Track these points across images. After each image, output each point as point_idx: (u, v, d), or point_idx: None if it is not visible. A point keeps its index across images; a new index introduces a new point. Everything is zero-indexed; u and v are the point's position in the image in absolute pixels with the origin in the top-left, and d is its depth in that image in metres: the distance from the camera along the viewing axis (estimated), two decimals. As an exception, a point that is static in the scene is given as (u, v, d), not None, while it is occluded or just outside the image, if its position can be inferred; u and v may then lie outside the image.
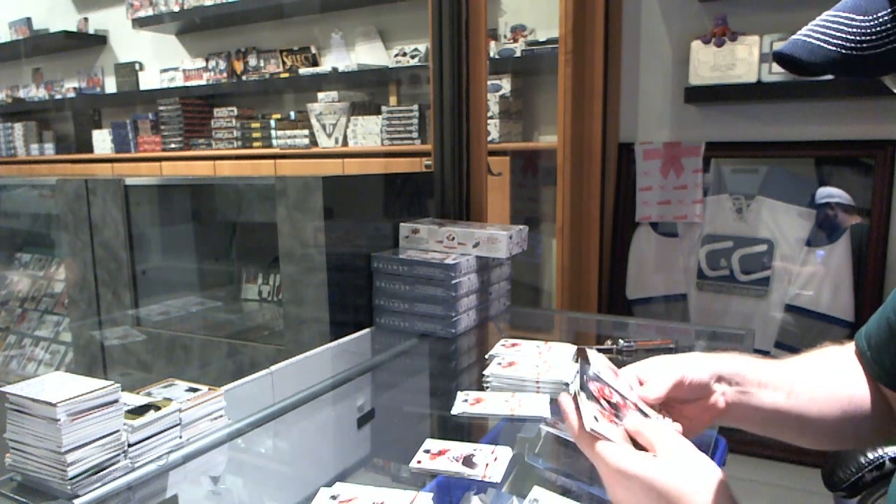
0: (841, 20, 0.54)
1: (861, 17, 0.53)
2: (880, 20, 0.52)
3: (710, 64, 2.07)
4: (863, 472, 1.13)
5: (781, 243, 2.09)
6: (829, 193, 2.04)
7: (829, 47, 0.54)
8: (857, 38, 0.53)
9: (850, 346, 0.93)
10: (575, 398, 0.71)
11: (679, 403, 0.80)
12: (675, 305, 2.27)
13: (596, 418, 0.69)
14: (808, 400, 0.84)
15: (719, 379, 0.80)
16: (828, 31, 0.54)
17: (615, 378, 0.78)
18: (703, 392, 0.80)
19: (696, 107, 2.20)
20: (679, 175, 2.24)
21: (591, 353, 0.80)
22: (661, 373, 0.78)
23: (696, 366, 0.80)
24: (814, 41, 0.55)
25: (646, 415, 0.73)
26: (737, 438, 2.09)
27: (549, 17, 2.58)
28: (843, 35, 0.53)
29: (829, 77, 1.89)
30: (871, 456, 1.15)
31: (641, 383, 0.79)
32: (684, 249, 2.25)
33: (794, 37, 0.57)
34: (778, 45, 1.98)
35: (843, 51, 0.53)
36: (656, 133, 2.29)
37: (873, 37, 0.52)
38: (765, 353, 2.11)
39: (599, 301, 2.31)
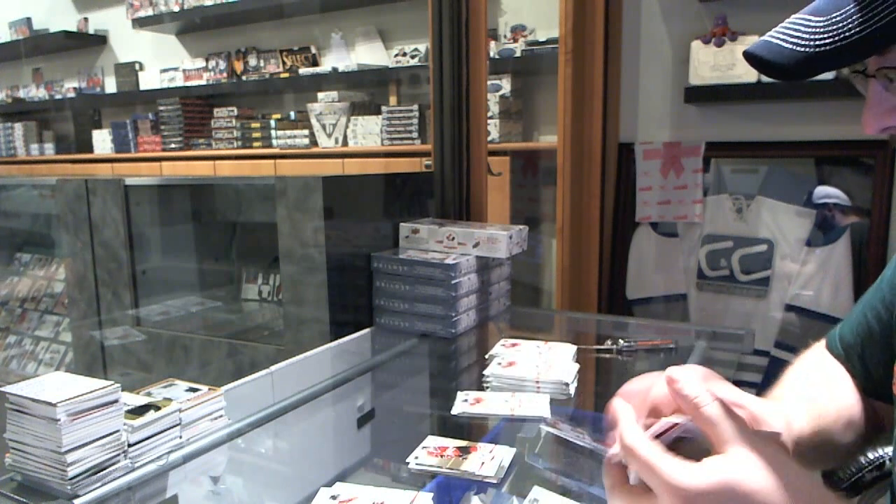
0: (800, 22, 0.58)
1: (817, 19, 0.57)
2: (832, 20, 0.55)
3: (710, 64, 2.07)
4: (863, 471, 1.13)
5: (781, 243, 2.09)
6: (827, 193, 2.04)
7: (786, 45, 0.58)
8: (812, 37, 0.56)
9: (823, 356, 0.92)
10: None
11: None
12: (675, 305, 2.27)
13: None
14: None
15: None
16: (787, 32, 0.58)
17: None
18: None
19: (696, 107, 2.20)
20: (679, 175, 2.24)
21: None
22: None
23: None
24: (775, 41, 0.59)
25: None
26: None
27: (549, 17, 2.58)
28: (800, 34, 0.57)
29: (829, 77, 1.88)
30: (871, 456, 1.15)
31: None
32: (684, 249, 2.25)
33: (761, 38, 0.61)
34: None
35: (797, 48, 0.57)
36: (656, 133, 2.29)
37: (825, 35, 0.55)
38: (764, 354, 2.12)
39: (599, 301, 2.31)
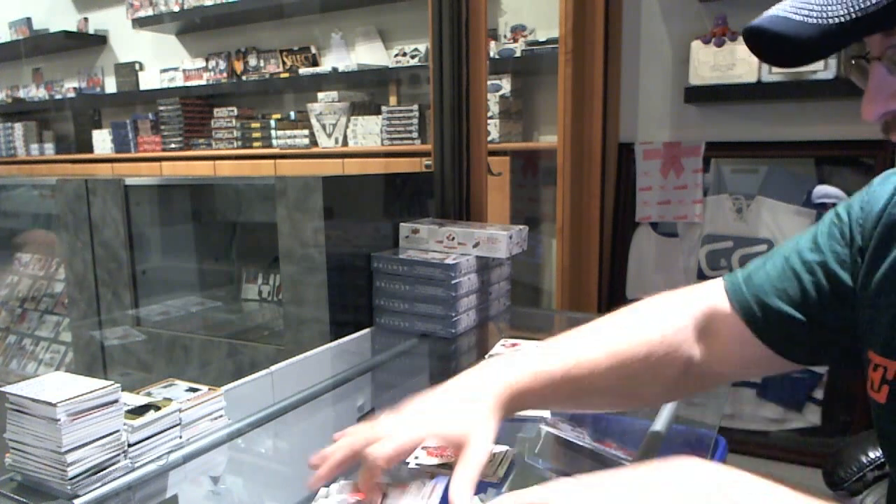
0: None
1: None
2: None
3: (710, 64, 2.07)
4: (864, 471, 1.13)
5: (781, 243, 2.09)
6: (826, 193, 2.04)
7: (796, 18, 0.55)
8: (824, 9, 0.54)
9: (688, 290, 0.86)
10: None
11: None
12: (675, 305, 2.27)
13: None
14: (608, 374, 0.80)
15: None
16: (796, 5, 0.55)
17: None
18: None
19: (696, 107, 2.20)
20: (679, 175, 2.24)
21: None
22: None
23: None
24: (782, 15, 0.56)
25: None
26: (737, 439, 2.09)
27: (549, 17, 2.58)
28: (811, 7, 0.54)
29: (830, 77, 1.88)
30: (872, 455, 1.15)
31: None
32: (684, 249, 2.25)
33: (765, 14, 0.57)
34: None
35: (808, 20, 0.54)
36: (656, 133, 2.29)
37: (839, 5, 0.53)
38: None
39: (599, 301, 2.31)
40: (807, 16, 0.54)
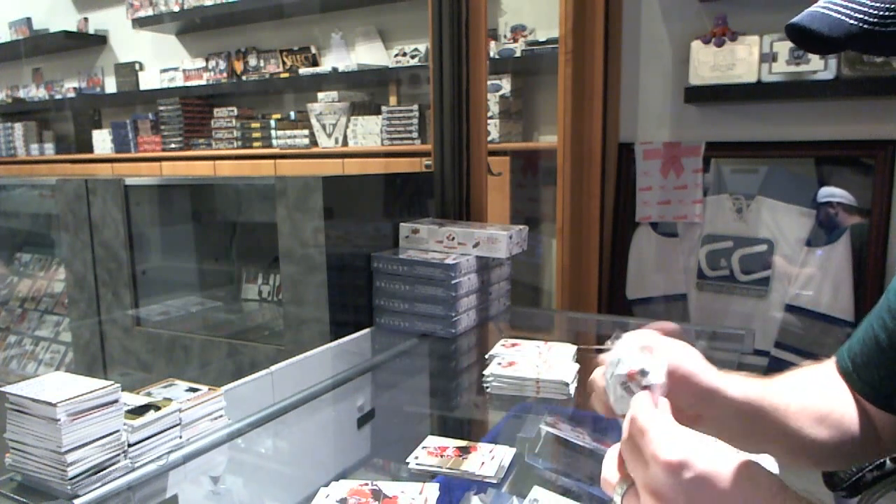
0: None
1: None
2: None
3: (710, 64, 2.07)
4: (863, 471, 1.12)
5: (781, 243, 2.09)
6: (831, 193, 2.04)
7: (850, 21, 0.52)
8: (880, 13, 0.51)
9: (829, 364, 0.92)
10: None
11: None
12: (675, 305, 2.27)
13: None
14: (795, 414, 0.81)
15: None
16: (849, 5, 0.52)
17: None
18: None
19: (696, 107, 2.20)
20: (679, 175, 2.24)
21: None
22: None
23: (688, 357, 0.74)
24: (833, 14, 0.53)
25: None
26: (737, 438, 2.09)
27: (549, 17, 2.58)
28: (866, 10, 0.51)
29: (830, 77, 1.88)
30: (871, 456, 1.15)
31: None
32: (684, 249, 2.25)
33: (810, 9, 0.55)
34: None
35: (865, 26, 0.51)
36: (656, 133, 2.29)
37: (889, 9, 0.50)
38: (764, 354, 2.11)
39: (599, 301, 2.31)
40: (849, 15, 0.52)
